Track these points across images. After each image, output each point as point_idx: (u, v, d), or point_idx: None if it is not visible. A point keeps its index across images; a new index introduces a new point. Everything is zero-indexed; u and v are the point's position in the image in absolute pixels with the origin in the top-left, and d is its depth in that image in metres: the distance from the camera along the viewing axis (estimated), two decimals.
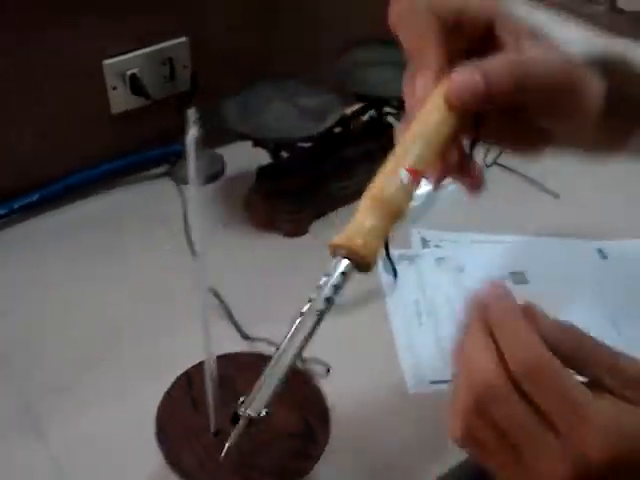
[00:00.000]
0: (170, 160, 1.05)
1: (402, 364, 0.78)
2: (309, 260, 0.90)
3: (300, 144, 0.94)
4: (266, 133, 0.89)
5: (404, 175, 0.42)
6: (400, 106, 1.01)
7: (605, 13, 1.67)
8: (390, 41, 1.05)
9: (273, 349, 0.47)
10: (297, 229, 0.94)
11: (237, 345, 0.77)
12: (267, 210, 0.95)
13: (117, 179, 1.02)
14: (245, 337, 0.79)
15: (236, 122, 0.89)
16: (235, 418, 0.48)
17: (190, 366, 0.66)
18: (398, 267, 0.89)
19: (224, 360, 0.64)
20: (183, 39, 0.99)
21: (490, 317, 0.39)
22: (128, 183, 1.03)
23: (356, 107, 1.01)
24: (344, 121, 0.97)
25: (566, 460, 0.35)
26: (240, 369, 0.64)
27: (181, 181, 1.03)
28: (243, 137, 0.89)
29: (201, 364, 0.63)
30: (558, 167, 1.07)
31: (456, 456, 0.65)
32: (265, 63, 1.07)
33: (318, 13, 1.10)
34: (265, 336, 0.77)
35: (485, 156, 1.06)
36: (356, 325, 0.82)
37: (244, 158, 0.99)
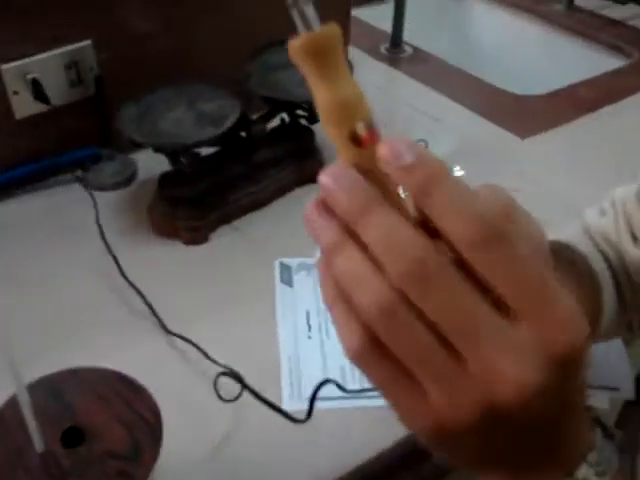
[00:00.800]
0: (84, 165, 1.03)
1: (282, 377, 0.75)
2: (205, 270, 0.89)
3: (204, 150, 0.92)
4: (159, 139, 0.87)
5: None
6: (311, 108, 0.99)
7: (562, 12, 1.63)
8: None
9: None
10: (196, 237, 0.92)
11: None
12: (168, 217, 0.92)
13: (27, 186, 1.00)
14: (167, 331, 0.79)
15: (131, 129, 0.87)
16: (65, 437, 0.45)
17: None
18: (295, 277, 0.87)
19: (64, 375, 0.62)
20: (88, 42, 0.97)
21: (345, 216, 0.31)
22: (38, 189, 1.01)
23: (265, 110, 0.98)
24: (250, 125, 0.94)
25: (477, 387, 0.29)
26: (80, 385, 0.62)
27: (95, 187, 1.01)
28: (137, 145, 0.87)
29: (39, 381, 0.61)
30: (483, 178, 1.05)
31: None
32: (177, 66, 1.05)
33: (235, 15, 1.08)
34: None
35: None
36: (246, 329, 0.80)
37: (156, 163, 0.97)
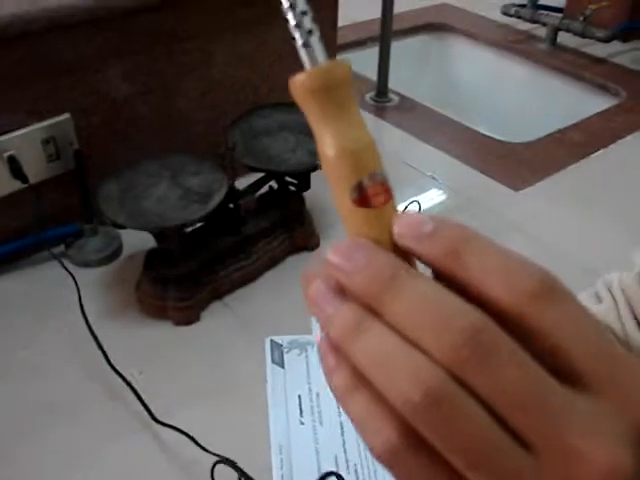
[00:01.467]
0: (66, 242, 0.99)
1: (273, 468, 0.71)
2: (195, 352, 0.85)
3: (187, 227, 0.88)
4: (143, 221, 0.83)
5: None
6: (301, 176, 0.95)
7: (546, 50, 1.61)
8: (285, 104, 1.01)
9: None
10: (187, 317, 0.88)
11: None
12: (157, 298, 0.88)
13: (6, 265, 0.96)
14: (155, 420, 0.74)
15: (113, 210, 0.83)
16: None
17: None
18: (287, 355, 0.83)
19: None
20: (67, 115, 0.93)
21: (366, 298, 0.27)
22: (18, 269, 0.96)
23: (253, 180, 0.94)
24: (238, 197, 0.91)
25: None
26: None
27: (78, 263, 0.97)
28: (120, 227, 0.83)
29: None
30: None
31: None
32: (158, 137, 1.01)
33: (215, 79, 1.04)
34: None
35: None
36: (237, 415, 0.77)
37: (142, 236, 0.93)
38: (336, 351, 0.28)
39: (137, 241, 0.97)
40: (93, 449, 0.73)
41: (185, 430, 0.72)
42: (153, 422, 0.74)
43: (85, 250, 0.97)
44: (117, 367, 0.79)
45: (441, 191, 1.15)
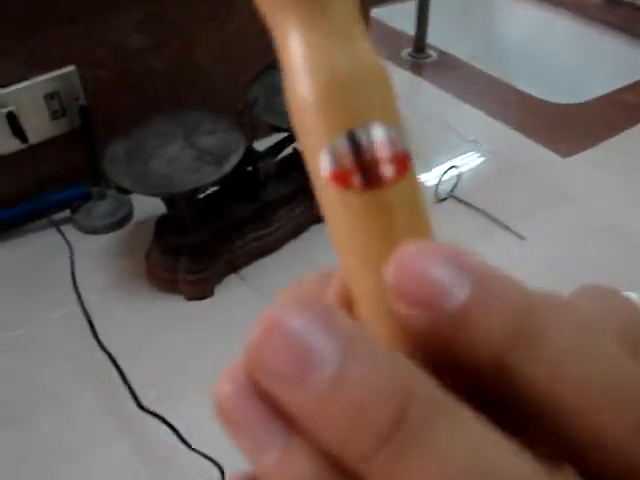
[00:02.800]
0: (72, 205, 0.91)
1: None
2: (212, 329, 0.77)
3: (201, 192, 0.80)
4: (151, 185, 0.74)
5: None
6: None
7: (600, 4, 1.49)
8: None
9: None
10: (200, 292, 0.80)
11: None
12: (167, 269, 0.81)
13: (8, 231, 0.89)
14: (140, 407, 0.66)
15: (119, 172, 0.75)
16: None
17: None
18: None
19: None
20: (72, 67, 0.85)
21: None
22: (20, 235, 0.89)
23: (274, 141, 0.86)
24: (257, 159, 0.82)
25: None
26: None
27: (85, 229, 0.90)
28: (125, 192, 0.75)
29: None
30: (523, 205, 0.93)
31: None
32: (172, 92, 0.93)
33: (237, 31, 0.95)
34: (158, 411, 0.64)
35: (436, 188, 0.92)
36: None
37: (155, 201, 0.85)
38: None
39: (149, 206, 0.89)
40: (80, 435, 0.66)
41: (184, 420, 0.64)
42: (139, 410, 0.66)
43: (92, 215, 0.90)
44: (121, 345, 0.72)
45: (482, 156, 1.05)
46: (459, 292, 0.14)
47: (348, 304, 0.17)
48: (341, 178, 0.16)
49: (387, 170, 0.16)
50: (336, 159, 0.16)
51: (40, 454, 0.64)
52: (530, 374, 0.14)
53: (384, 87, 0.16)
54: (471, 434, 0.14)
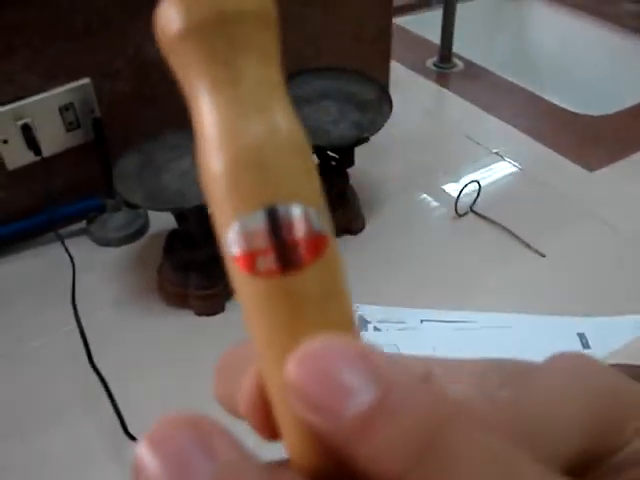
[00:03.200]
0: (88, 217, 0.91)
1: None
2: (221, 345, 0.76)
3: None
4: (160, 201, 0.73)
5: None
6: (344, 151, 0.85)
7: (633, 12, 1.45)
8: (330, 68, 0.90)
9: None
10: (210, 307, 0.79)
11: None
12: (178, 284, 0.80)
13: (24, 242, 0.89)
14: (131, 437, 0.64)
15: (129, 187, 0.75)
16: None
17: None
18: None
19: None
20: (87, 80, 0.85)
21: None
22: (34, 246, 0.89)
23: None
24: None
25: None
26: None
27: (99, 241, 0.90)
28: (133, 207, 0.74)
29: None
30: (544, 221, 0.90)
31: None
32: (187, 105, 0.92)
33: None
34: None
35: (456, 202, 0.90)
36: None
37: (169, 214, 0.85)
38: None
39: (164, 219, 0.88)
40: (76, 456, 0.65)
41: None
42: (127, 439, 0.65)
43: (107, 227, 0.89)
44: (127, 360, 0.71)
45: (506, 170, 1.02)
46: (362, 398, 0.13)
47: (263, 393, 0.16)
48: (245, 261, 0.15)
49: (296, 255, 0.14)
50: (241, 240, 0.15)
51: (28, 468, 0.64)
52: None
53: (299, 161, 0.15)
54: None
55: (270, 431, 0.16)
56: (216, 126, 0.15)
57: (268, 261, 0.14)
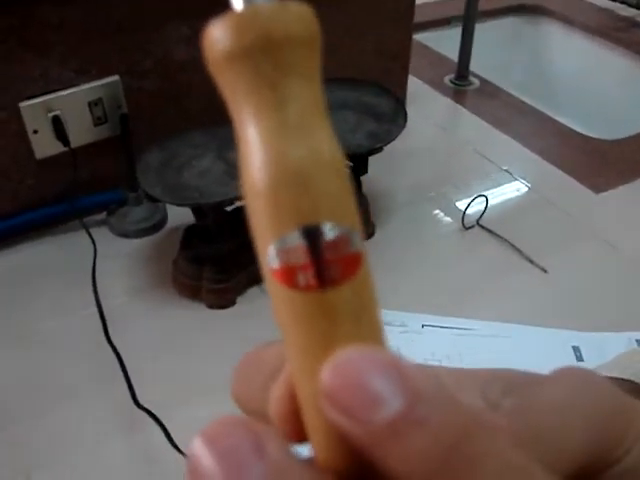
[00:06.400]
0: (109, 208, 0.95)
1: None
2: (229, 338, 0.79)
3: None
4: (179, 196, 0.77)
5: None
6: (359, 159, 0.88)
7: None
8: (349, 79, 0.94)
9: None
10: (221, 301, 0.83)
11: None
12: (192, 276, 0.83)
13: (48, 229, 0.92)
14: (138, 405, 0.68)
15: (151, 181, 0.78)
16: None
17: None
18: None
19: None
20: (116, 77, 0.88)
21: None
22: (57, 234, 0.93)
23: None
24: None
25: None
26: None
27: (119, 232, 0.93)
28: (153, 199, 0.78)
29: None
30: (548, 238, 0.93)
31: None
32: (211, 106, 0.95)
33: None
34: (157, 411, 0.67)
35: (463, 215, 0.93)
36: None
37: (189, 210, 0.88)
38: None
39: (183, 214, 0.92)
40: (91, 432, 0.68)
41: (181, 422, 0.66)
42: (135, 408, 0.68)
43: (127, 219, 0.93)
44: (139, 344, 0.75)
45: (514, 187, 1.05)
46: (391, 406, 0.15)
47: (294, 400, 0.18)
48: (285, 276, 0.16)
49: (333, 272, 0.16)
50: (281, 255, 0.16)
51: (43, 443, 0.67)
52: None
53: (338, 183, 0.16)
54: None
55: (297, 434, 0.18)
56: (261, 146, 0.16)
57: (307, 277, 0.16)
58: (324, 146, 0.16)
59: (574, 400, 0.21)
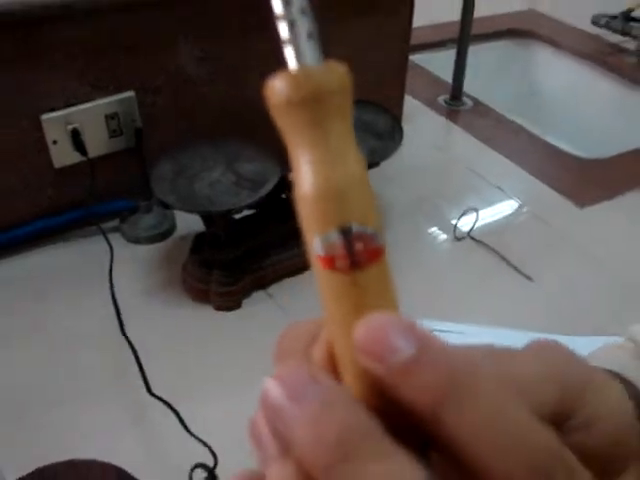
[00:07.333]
0: (121, 216, 1.00)
1: None
2: (235, 338, 0.85)
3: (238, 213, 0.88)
4: (192, 204, 0.83)
5: None
6: None
7: (634, 65, 1.55)
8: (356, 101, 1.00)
9: None
10: (228, 303, 0.88)
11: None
12: (201, 280, 0.89)
13: (64, 234, 0.98)
14: (150, 392, 0.73)
15: (165, 190, 0.84)
16: None
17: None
18: None
19: (62, 467, 0.59)
20: (131, 93, 0.94)
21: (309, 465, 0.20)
22: (72, 239, 0.99)
23: None
24: (291, 187, 0.90)
25: None
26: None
27: (130, 239, 0.99)
28: (167, 207, 0.84)
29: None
30: (534, 248, 0.99)
31: None
32: (220, 122, 1.02)
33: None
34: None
35: (455, 227, 0.99)
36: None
37: (197, 218, 0.94)
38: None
39: (190, 222, 0.98)
40: (107, 425, 0.73)
41: (189, 410, 0.72)
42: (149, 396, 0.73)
43: (138, 226, 0.99)
44: (150, 342, 0.80)
45: (503, 201, 1.11)
46: (405, 352, 0.20)
47: (332, 357, 0.24)
48: (327, 262, 0.21)
49: (362, 260, 0.21)
50: (324, 247, 0.21)
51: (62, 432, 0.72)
52: (454, 428, 0.20)
53: (366, 194, 0.22)
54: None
55: (335, 378, 0.23)
56: (312, 168, 0.21)
57: (343, 263, 0.21)
58: (355, 168, 0.22)
59: (543, 362, 0.27)
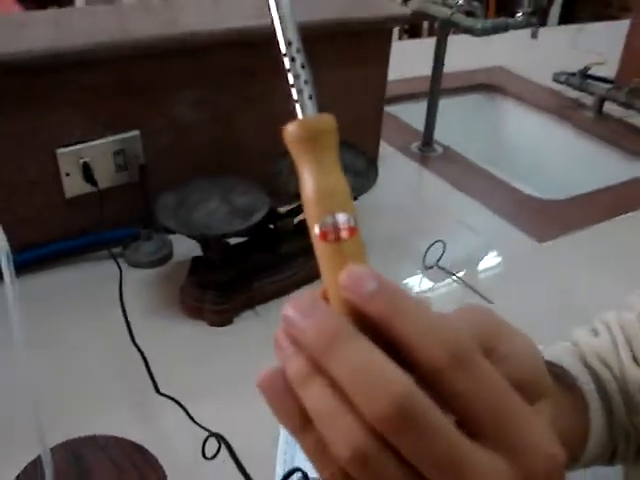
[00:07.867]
0: (124, 243, 1.11)
1: (277, 458, 0.79)
2: (227, 350, 0.95)
3: (234, 239, 0.99)
4: (191, 229, 0.94)
5: None
6: None
7: (591, 118, 1.70)
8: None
9: None
10: (221, 320, 0.98)
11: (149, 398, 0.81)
12: (197, 299, 0.99)
13: (72, 257, 1.08)
14: (158, 392, 0.84)
15: (167, 217, 0.95)
16: None
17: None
18: None
19: (85, 441, 0.68)
20: (137, 132, 1.06)
21: (311, 351, 0.31)
22: (80, 262, 1.09)
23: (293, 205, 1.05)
24: (278, 218, 1.02)
25: None
26: (98, 452, 0.68)
27: (132, 263, 1.09)
28: (171, 231, 0.95)
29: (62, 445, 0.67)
30: (496, 277, 1.10)
31: None
32: (215, 160, 1.13)
33: (274, 111, 1.16)
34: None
35: (424, 257, 1.10)
36: (246, 406, 0.84)
37: (192, 246, 1.04)
38: (285, 392, 0.32)
39: (186, 248, 1.09)
40: (123, 420, 0.83)
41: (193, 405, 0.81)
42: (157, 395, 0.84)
43: (139, 252, 1.09)
44: (153, 353, 0.90)
45: (469, 235, 1.23)
46: (370, 287, 0.30)
47: (325, 297, 0.34)
48: (322, 236, 0.32)
49: (344, 235, 0.32)
50: (320, 227, 0.32)
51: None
52: (398, 328, 0.30)
53: (346, 193, 0.33)
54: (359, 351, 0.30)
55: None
56: (312, 179, 0.32)
57: (332, 236, 0.32)
58: (338, 178, 0.33)
59: (468, 314, 0.39)
